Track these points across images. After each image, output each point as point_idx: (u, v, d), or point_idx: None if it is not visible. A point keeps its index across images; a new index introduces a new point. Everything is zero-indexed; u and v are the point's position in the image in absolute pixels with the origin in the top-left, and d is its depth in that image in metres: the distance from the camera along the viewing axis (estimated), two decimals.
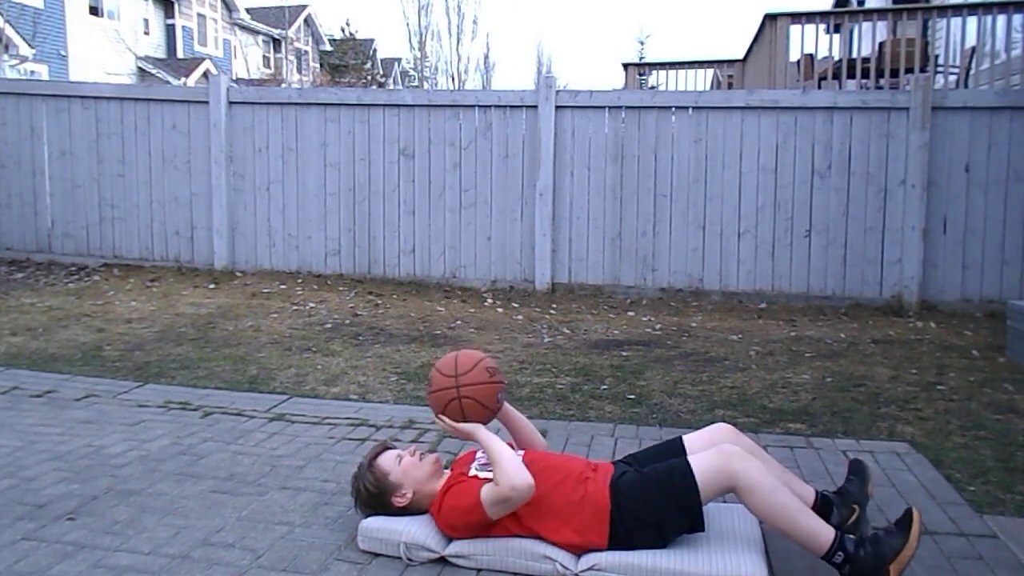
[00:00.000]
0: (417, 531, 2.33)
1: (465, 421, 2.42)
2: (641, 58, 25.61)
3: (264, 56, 31.65)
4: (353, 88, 15.27)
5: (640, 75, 12.99)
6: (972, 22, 8.15)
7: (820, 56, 8.81)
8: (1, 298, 6.31)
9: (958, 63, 8.57)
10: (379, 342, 5.15)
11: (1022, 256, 6.28)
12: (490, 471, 2.34)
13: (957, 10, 8.17)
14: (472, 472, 2.40)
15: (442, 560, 2.30)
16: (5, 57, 17.05)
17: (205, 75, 23.90)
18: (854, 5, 13.73)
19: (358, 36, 31.13)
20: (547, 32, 71.08)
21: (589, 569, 2.20)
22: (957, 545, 2.45)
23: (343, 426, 3.50)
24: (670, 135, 6.69)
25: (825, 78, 8.78)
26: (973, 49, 8.31)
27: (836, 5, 13.87)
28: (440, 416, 2.44)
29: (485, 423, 2.44)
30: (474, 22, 45.81)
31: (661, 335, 5.53)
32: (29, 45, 18.45)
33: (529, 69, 48.12)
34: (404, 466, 2.41)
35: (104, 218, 7.66)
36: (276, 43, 31.79)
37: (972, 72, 8.51)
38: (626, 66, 13.14)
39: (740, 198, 6.62)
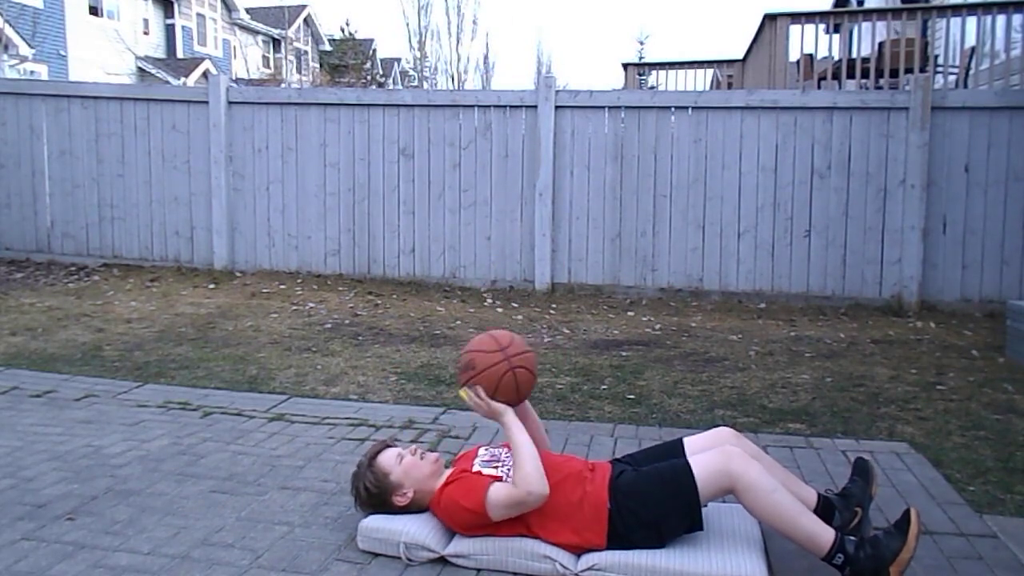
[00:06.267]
0: (417, 531, 2.32)
1: (518, 393, 2.42)
2: (641, 58, 25.58)
3: (264, 56, 31.65)
4: (353, 88, 15.25)
5: (640, 75, 13.00)
6: (972, 22, 8.16)
7: (820, 56, 8.82)
8: (1, 298, 6.31)
9: (958, 63, 8.57)
10: (379, 342, 5.15)
11: (1022, 256, 6.29)
12: (494, 468, 2.34)
13: (957, 10, 8.18)
14: (476, 468, 2.38)
15: (442, 560, 2.30)
16: (5, 57, 17.04)
17: (205, 75, 23.89)
18: (854, 5, 13.73)
19: (358, 36, 31.11)
20: (547, 32, 71.15)
21: (589, 569, 2.21)
22: (957, 545, 2.45)
23: (343, 426, 3.50)
24: (670, 135, 6.69)
25: (825, 78, 8.78)
26: (973, 49, 8.31)
27: (836, 5, 13.87)
28: (475, 388, 2.39)
29: (515, 404, 2.43)
30: (474, 22, 45.90)
31: (661, 335, 5.53)
32: (29, 45, 18.44)
33: (529, 69, 48.10)
34: (405, 465, 2.40)
35: (104, 218, 7.66)
36: (276, 43, 31.79)
37: (972, 72, 8.51)
38: (626, 66, 13.15)
39: (740, 198, 6.62)
